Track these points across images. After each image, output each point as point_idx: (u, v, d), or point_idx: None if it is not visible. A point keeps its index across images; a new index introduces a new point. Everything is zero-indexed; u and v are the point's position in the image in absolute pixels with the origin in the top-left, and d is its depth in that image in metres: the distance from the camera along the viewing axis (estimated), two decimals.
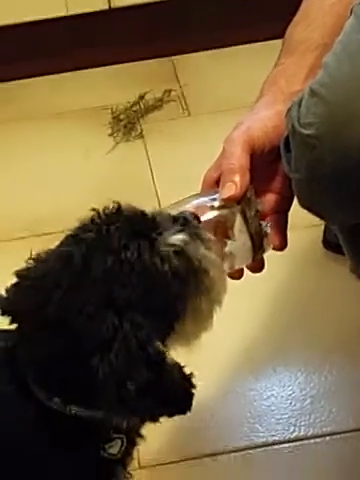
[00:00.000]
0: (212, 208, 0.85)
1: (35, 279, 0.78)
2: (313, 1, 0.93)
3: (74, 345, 0.75)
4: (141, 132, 1.77)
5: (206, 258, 0.80)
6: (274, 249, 0.89)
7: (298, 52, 0.91)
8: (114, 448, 0.83)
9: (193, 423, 1.20)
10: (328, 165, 0.79)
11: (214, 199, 0.86)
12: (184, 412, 0.81)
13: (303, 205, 0.86)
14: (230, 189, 0.84)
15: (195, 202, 0.86)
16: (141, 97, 1.84)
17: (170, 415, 0.81)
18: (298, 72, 0.90)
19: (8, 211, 1.62)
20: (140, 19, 1.90)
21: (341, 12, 0.89)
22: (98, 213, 0.79)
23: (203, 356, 1.28)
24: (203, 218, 0.85)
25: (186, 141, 1.72)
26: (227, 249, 0.85)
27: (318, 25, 0.91)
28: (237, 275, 0.91)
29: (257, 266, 0.90)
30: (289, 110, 0.82)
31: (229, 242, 0.85)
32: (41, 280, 0.78)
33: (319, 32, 0.91)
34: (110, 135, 1.77)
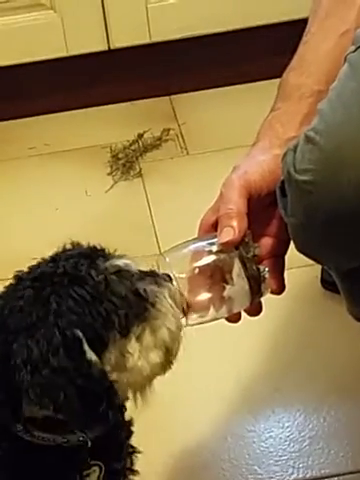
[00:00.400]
0: (210, 253, 0.86)
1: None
2: (309, 47, 0.95)
3: (6, 342, 0.78)
4: (140, 171, 1.78)
5: (155, 293, 0.81)
6: (272, 293, 0.89)
7: (293, 98, 0.92)
8: (92, 476, 0.84)
9: (193, 462, 1.20)
10: (324, 210, 0.80)
11: (212, 244, 0.86)
12: (105, 421, 0.79)
13: (299, 249, 0.87)
14: (228, 234, 0.85)
15: (193, 246, 0.87)
16: (140, 136, 1.85)
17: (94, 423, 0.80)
18: (293, 118, 0.91)
19: (5, 251, 1.62)
20: (139, 59, 1.92)
21: (336, 59, 0.91)
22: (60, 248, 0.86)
23: (202, 397, 1.28)
24: (201, 263, 0.86)
25: (184, 180, 1.73)
26: (225, 293, 0.86)
27: (313, 71, 0.93)
28: (234, 318, 0.91)
29: (255, 310, 0.90)
30: (284, 156, 0.83)
31: (227, 287, 0.85)
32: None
33: (314, 78, 0.92)
34: (109, 174, 1.78)
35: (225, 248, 0.86)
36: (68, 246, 0.85)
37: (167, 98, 1.97)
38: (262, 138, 0.91)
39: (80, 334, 0.77)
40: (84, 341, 0.77)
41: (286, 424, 1.24)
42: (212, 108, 1.92)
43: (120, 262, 0.82)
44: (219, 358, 1.33)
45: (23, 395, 0.76)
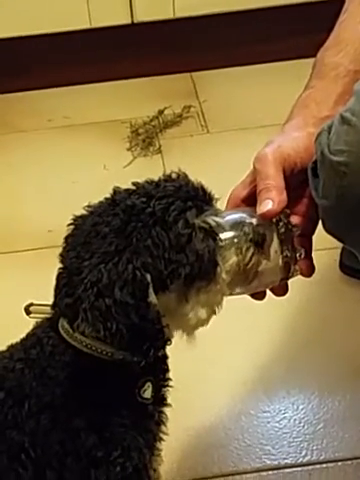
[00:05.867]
0: (250, 225, 0.85)
1: (82, 218, 0.85)
2: (346, 26, 0.93)
3: (82, 259, 0.81)
4: (159, 147, 1.77)
5: (228, 261, 0.83)
6: (301, 274, 0.89)
7: (328, 77, 0.91)
8: (147, 392, 0.87)
9: (207, 440, 1.20)
10: (357, 193, 0.79)
11: (252, 216, 0.85)
12: (146, 356, 0.82)
13: (328, 231, 0.86)
14: (267, 204, 0.84)
15: (231, 218, 0.86)
16: (160, 112, 1.84)
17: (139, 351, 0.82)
18: (328, 97, 0.90)
19: (23, 223, 1.62)
20: (162, 34, 1.91)
21: None
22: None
23: (218, 376, 1.28)
24: None
25: (204, 158, 1.72)
26: (260, 268, 0.85)
27: (349, 51, 0.91)
28: (260, 296, 0.91)
29: (282, 289, 0.90)
30: (318, 136, 0.82)
31: (264, 262, 0.84)
32: (87, 218, 0.84)
33: (350, 58, 0.91)
34: (128, 149, 1.77)
35: (264, 219, 0.85)
36: (173, 175, 0.85)
37: (189, 75, 1.96)
38: (296, 116, 0.90)
39: (149, 278, 0.79)
40: (151, 286, 0.79)
41: (301, 406, 1.24)
42: (234, 87, 1.91)
43: (212, 220, 0.83)
44: (236, 339, 1.33)
45: (80, 311, 0.79)
